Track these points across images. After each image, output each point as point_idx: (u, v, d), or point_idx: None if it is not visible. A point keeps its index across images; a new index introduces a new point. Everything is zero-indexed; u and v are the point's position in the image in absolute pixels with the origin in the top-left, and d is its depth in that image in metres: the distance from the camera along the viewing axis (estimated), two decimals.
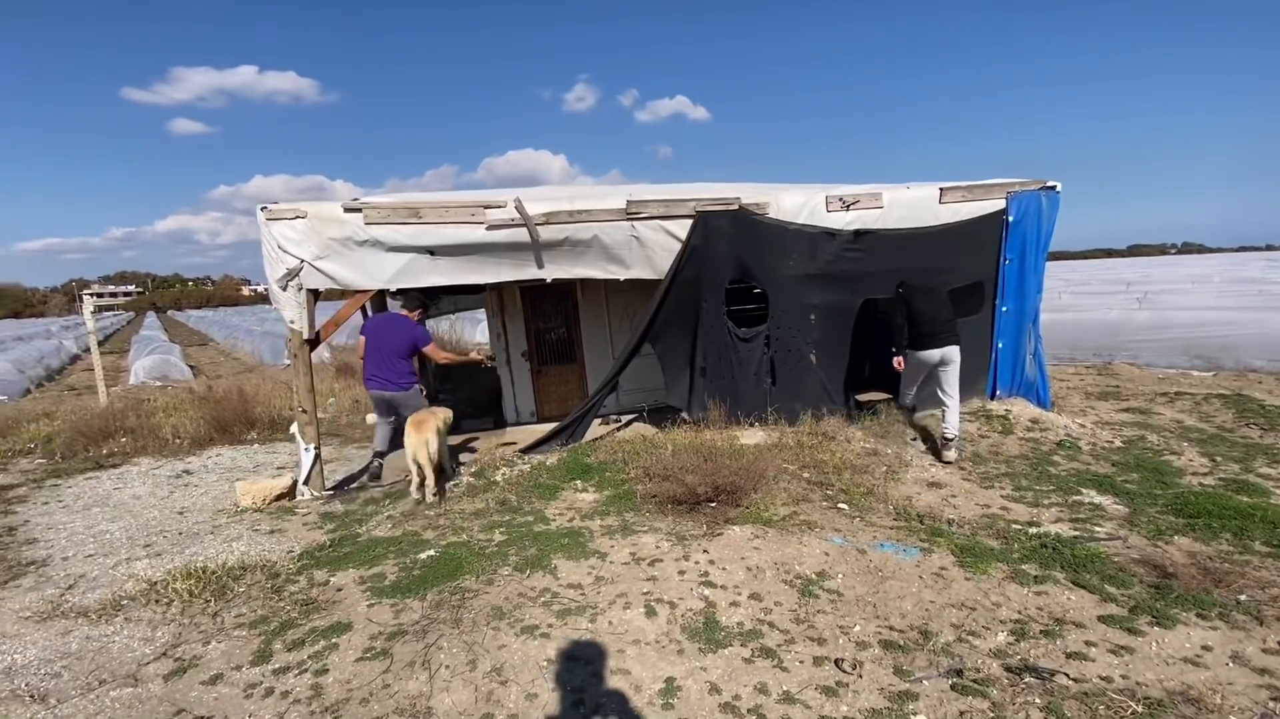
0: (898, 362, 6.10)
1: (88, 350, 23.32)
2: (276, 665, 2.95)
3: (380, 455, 5.96)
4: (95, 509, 5.59)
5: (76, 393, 13.70)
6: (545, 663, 2.83)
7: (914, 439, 6.10)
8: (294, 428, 5.64)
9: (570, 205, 5.70)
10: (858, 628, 3.08)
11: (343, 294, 5.97)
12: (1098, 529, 4.14)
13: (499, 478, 5.36)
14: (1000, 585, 3.42)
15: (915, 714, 2.45)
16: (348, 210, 5.32)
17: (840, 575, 3.63)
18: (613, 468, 5.40)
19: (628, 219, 5.78)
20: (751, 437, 5.86)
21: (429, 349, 5.83)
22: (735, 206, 6.00)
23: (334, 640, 3.11)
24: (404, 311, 5.95)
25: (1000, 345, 7.03)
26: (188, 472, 6.76)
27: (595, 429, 7.05)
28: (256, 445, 7.90)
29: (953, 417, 5.72)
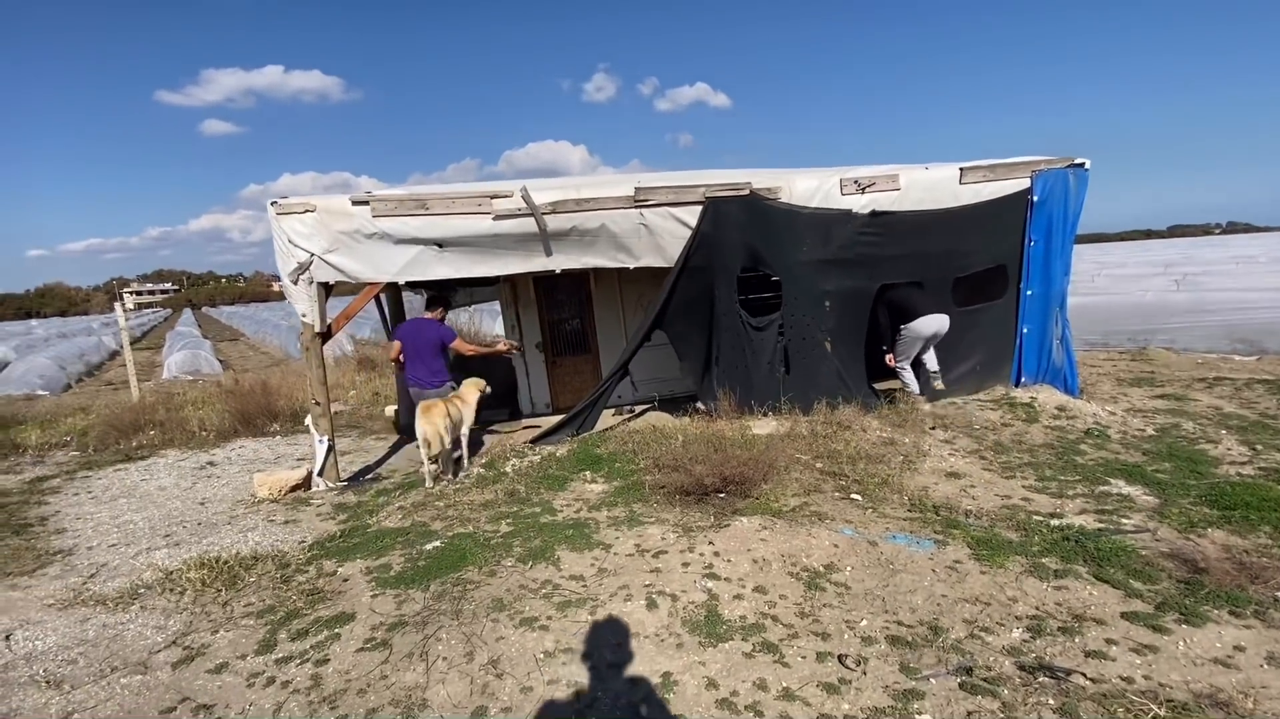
0: (889, 358, 6.51)
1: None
2: (280, 655, 2.97)
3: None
4: (122, 500, 5.74)
5: (113, 387, 14.14)
6: (542, 655, 2.80)
7: (933, 428, 5.92)
8: (308, 420, 5.71)
9: (577, 194, 5.63)
10: (864, 623, 2.99)
11: (357, 289, 6.01)
12: (1125, 521, 3.96)
13: (509, 469, 5.35)
14: (1018, 580, 3.28)
15: (920, 714, 2.35)
16: (355, 203, 5.33)
17: (849, 568, 3.52)
18: (622, 459, 5.35)
19: (636, 207, 5.69)
20: (764, 426, 5.75)
21: (456, 344, 5.95)
22: (746, 192, 5.86)
23: (336, 631, 3.12)
24: (427, 314, 6.06)
25: (1025, 331, 6.79)
26: (212, 463, 6.90)
27: (607, 419, 7.02)
28: (279, 437, 8.04)
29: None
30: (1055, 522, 3.97)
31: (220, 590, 3.65)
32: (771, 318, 6.13)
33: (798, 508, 4.30)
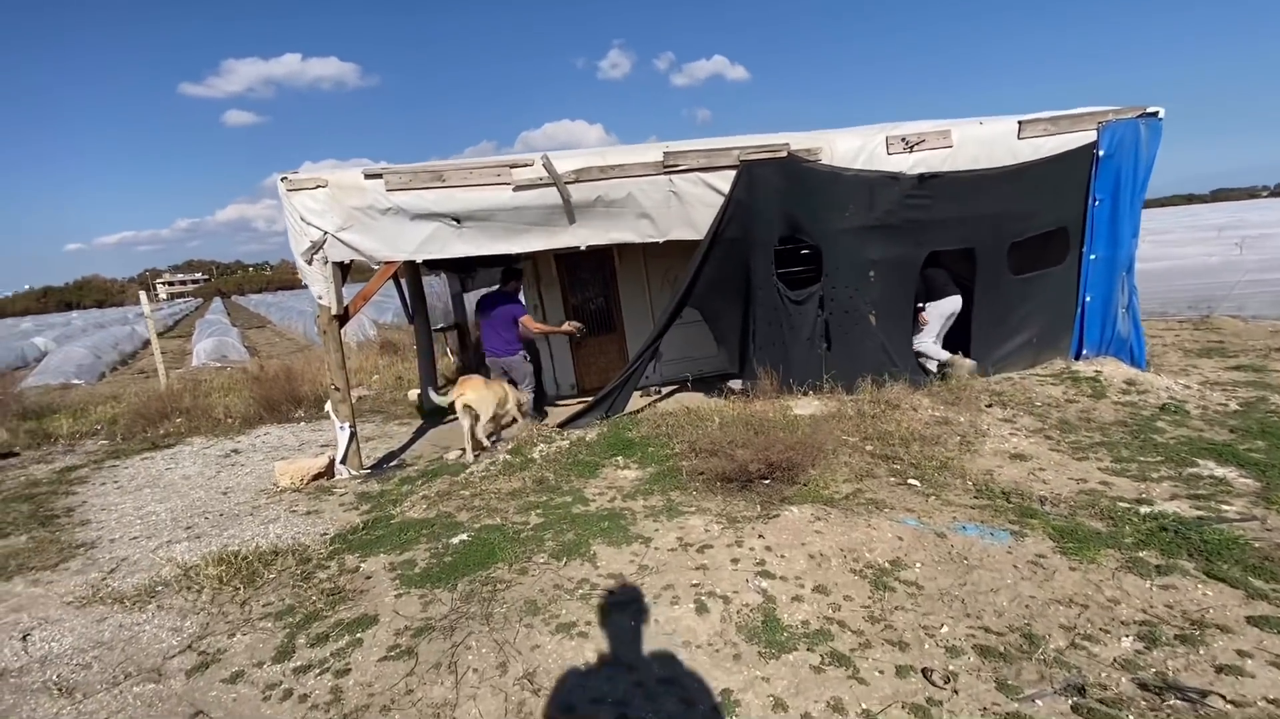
0: (922, 317, 6.30)
1: (160, 335, 24.43)
2: (298, 663, 2.72)
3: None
4: (146, 490, 5.59)
5: (145, 376, 14.22)
6: (583, 668, 2.50)
7: (989, 406, 5.48)
8: (329, 406, 5.48)
9: (602, 161, 5.23)
10: (945, 629, 2.63)
11: (374, 273, 5.73)
12: (1225, 508, 3.52)
13: (536, 455, 5.06)
14: (1114, 577, 2.89)
15: None
16: (368, 177, 5.01)
17: (918, 564, 3.16)
18: (656, 443, 5.02)
19: (665, 173, 5.28)
20: (806, 407, 5.36)
21: (524, 320, 6.13)
22: (783, 154, 5.41)
23: (358, 635, 2.86)
24: (501, 287, 6.33)
25: (1088, 299, 6.26)
26: (236, 451, 6.75)
27: (636, 401, 6.69)
28: (303, 423, 7.87)
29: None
30: (1144, 509, 3.54)
31: (238, 589, 3.43)
32: (811, 290, 5.70)
33: (851, 495, 3.94)
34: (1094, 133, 5.97)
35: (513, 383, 6.14)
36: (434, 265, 9.34)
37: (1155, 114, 5.99)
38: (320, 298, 5.22)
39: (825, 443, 4.51)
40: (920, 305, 6.21)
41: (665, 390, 7.45)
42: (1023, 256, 6.24)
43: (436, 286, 11.28)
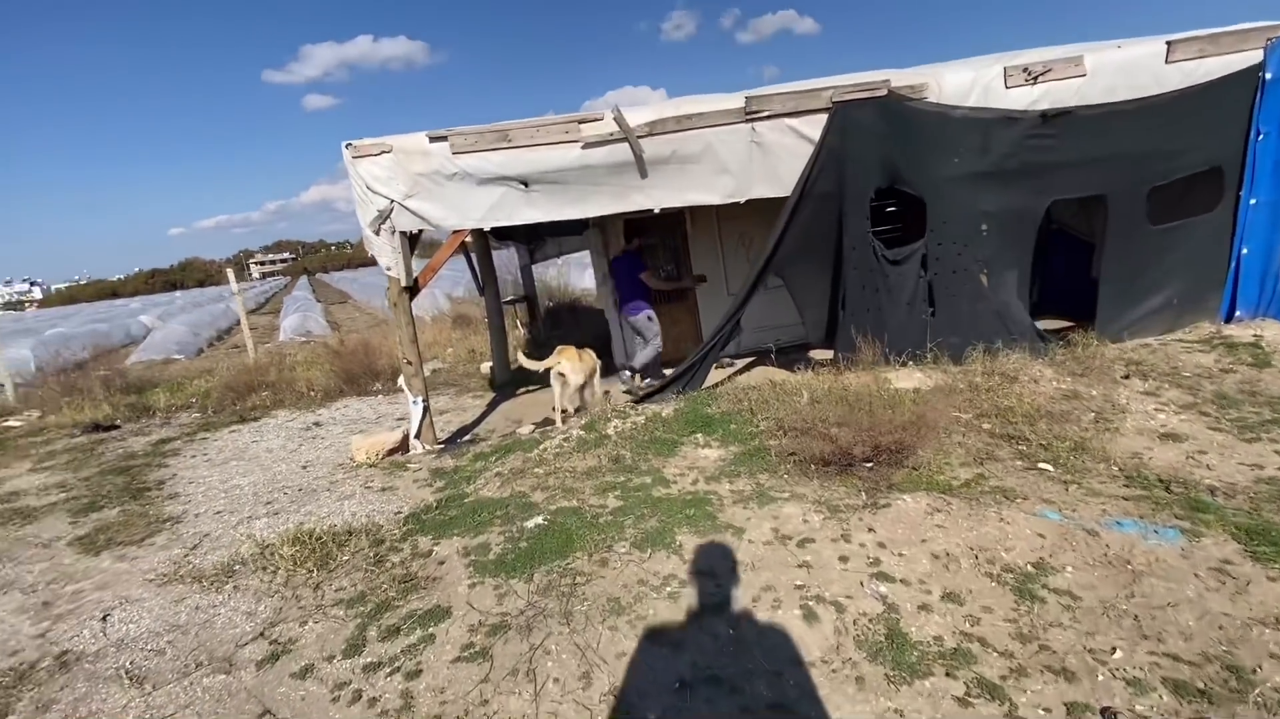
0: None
1: (252, 312, 25.83)
2: (368, 659, 2.53)
3: (633, 370, 6.44)
4: (233, 463, 5.68)
5: (238, 350, 14.95)
6: (677, 685, 2.16)
7: (1125, 377, 4.73)
8: (401, 380, 5.35)
9: (677, 111, 4.74)
10: (1119, 654, 2.13)
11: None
12: None
13: (611, 430, 4.74)
14: None
15: None
16: (433, 140, 4.73)
17: (1069, 568, 2.63)
18: (738, 419, 4.60)
19: (747, 120, 4.73)
20: (907, 379, 4.78)
21: (644, 276, 6.14)
22: (883, 92, 4.75)
23: (430, 630, 2.64)
24: (626, 246, 6.45)
25: (1245, 251, 5.31)
26: (317, 424, 6.81)
27: (711, 374, 6.25)
28: (380, 396, 7.91)
29: None
30: None
31: (312, 571, 3.30)
32: (913, 248, 5.05)
33: (972, 482, 3.40)
34: (1260, 52, 4.97)
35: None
36: (502, 236, 9.14)
37: None
38: (389, 269, 5.04)
39: (936, 420, 3.96)
40: None
41: (741, 363, 6.98)
42: (1159, 203, 5.33)
43: (505, 259, 11.13)
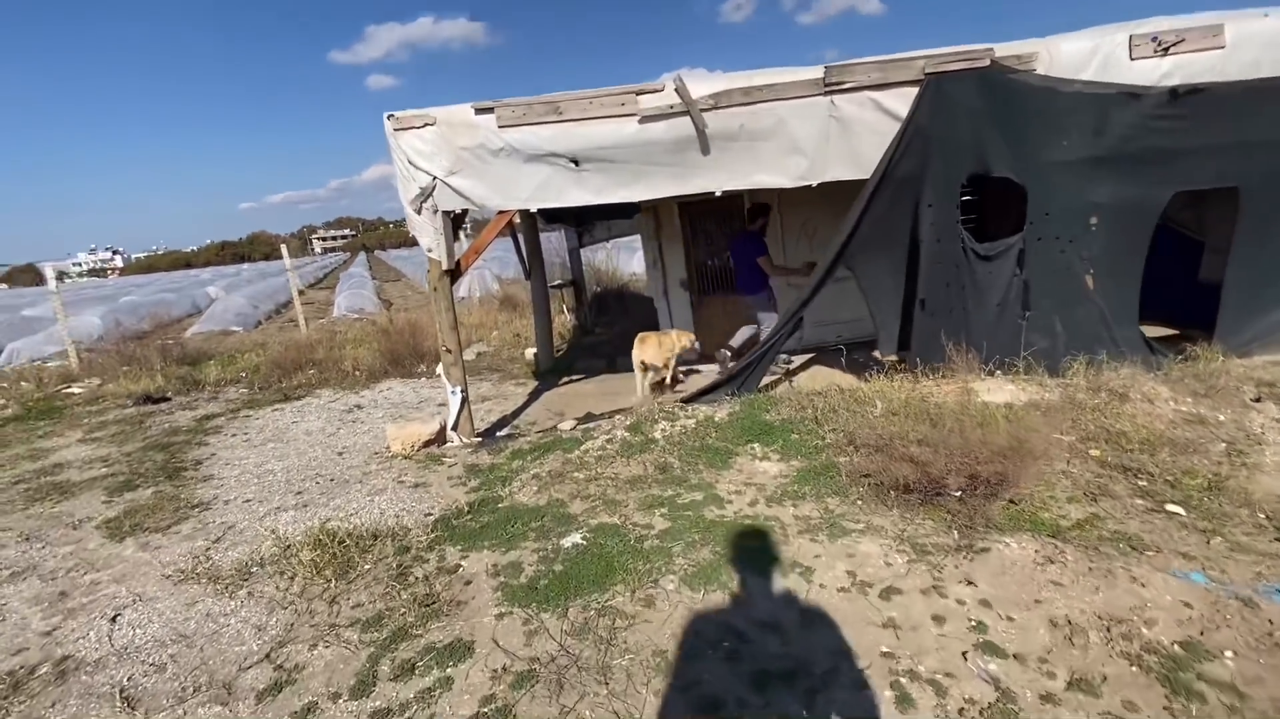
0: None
1: (310, 287, 26.38)
2: (377, 705, 2.18)
3: (731, 351, 6.16)
4: (270, 444, 5.51)
5: (294, 324, 15.15)
6: None
7: (1257, 399, 4.01)
8: (439, 369, 5.03)
9: (746, 82, 4.21)
10: None
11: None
12: None
13: (658, 434, 4.32)
14: None
15: None
16: (479, 111, 4.33)
17: (1228, 653, 2.07)
18: (800, 428, 4.10)
19: (826, 92, 4.16)
20: (996, 391, 4.18)
21: (760, 260, 5.78)
22: (985, 62, 4.10)
23: (448, 671, 2.28)
24: (750, 227, 6.06)
25: None
26: (358, 406, 6.62)
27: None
28: (424, 379, 7.68)
29: None
30: None
31: (330, 581, 2.99)
32: (1008, 243, 4.41)
33: (1086, 524, 2.84)
34: None
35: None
36: (551, 218, 8.77)
37: None
38: (429, 251, 4.70)
39: (1039, 445, 3.36)
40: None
41: (799, 360, 6.43)
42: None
43: (554, 242, 10.78)
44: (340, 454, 5.10)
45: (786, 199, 6.83)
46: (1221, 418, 3.77)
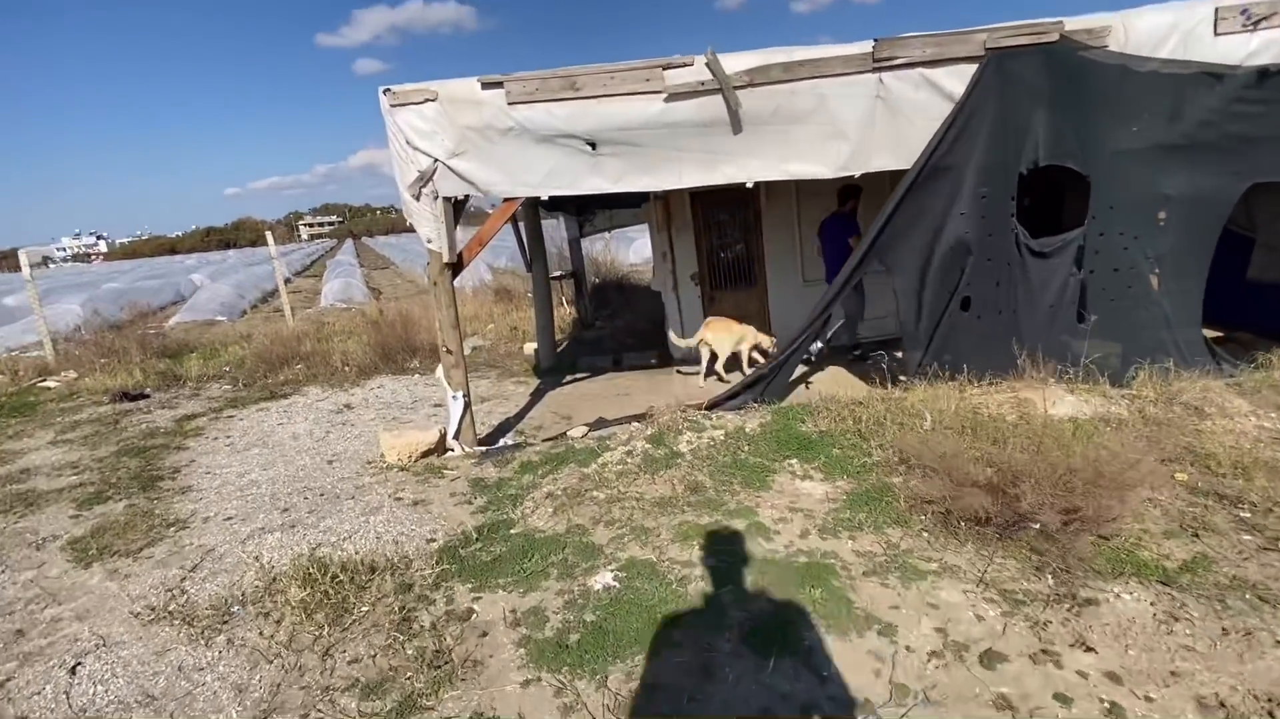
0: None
1: (297, 274, 25.61)
2: None
3: (824, 343, 5.79)
4: (254, 450, 5.03)
5: (281, 314, 14.54)
6: None
7: None
8: (439, 371, 4.57)
9: (786, 58, 3.75)
10: None
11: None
12: None
13: (684, 447, 3.89)
14: None
15: None
16: (486, 86, 3.83)
17: None
18: (842, 443, 3.69)
19: (874, 69, 3.71)
20: (1055, 402, 3.79)
21: (852, 241, 5.43)
22: (1054, 37, 3.66)
23: None
24: (840, 209, 5.78)
25: None
26: (349, 405, 6.14)
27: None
28: (418, 375, 7.20)
29: None
30: None
31: (323, 628, 2.56)
32: (1067, 238, 4.00)
33: (1194, 565, 2.45)
34: None
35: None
36: (553, 206, 8.26)
37: None
38: (429, 242, 4.22)
39: (1143, 475, 2.94)
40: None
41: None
42: None
43: (550, 231, 10.27)
44: (330, 463, 4.63)
45: (805, 189, 6.38)
46: None
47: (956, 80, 3.73)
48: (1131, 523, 2.70)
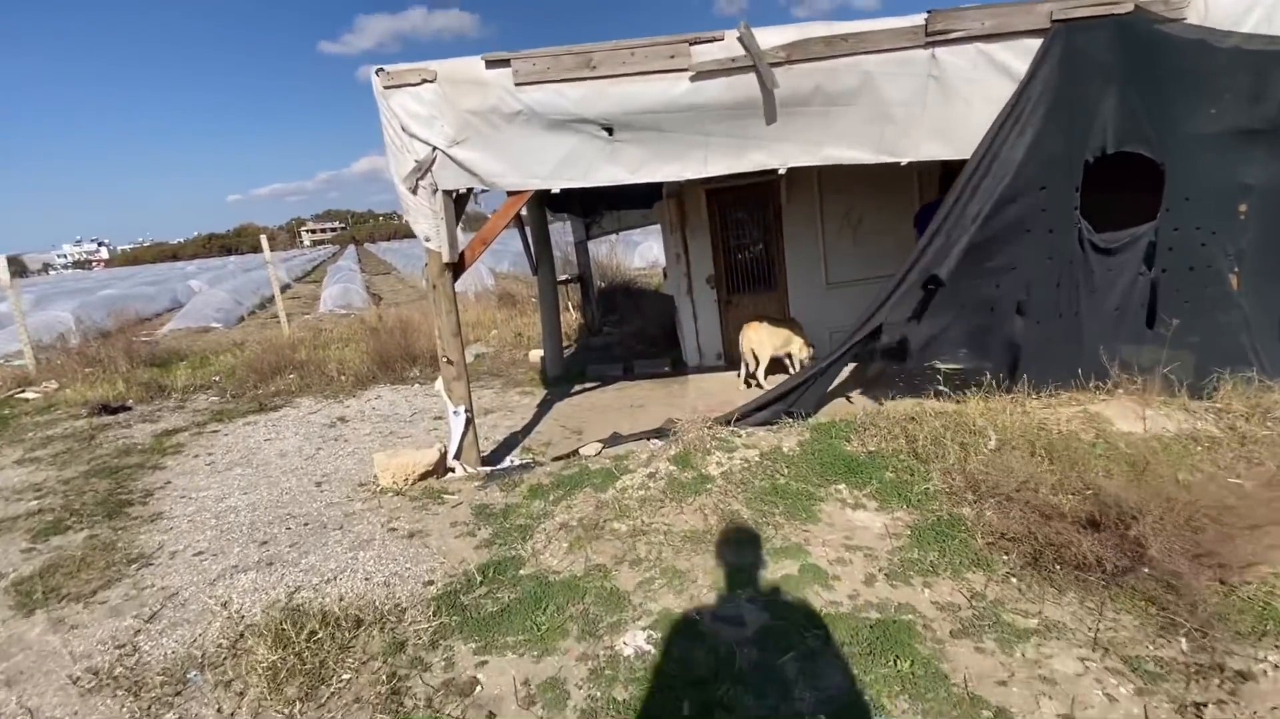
0: None
1: (296, 280, 25.12)
2: None
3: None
4: (236, 470, 4.55)
5: (278, 320, 14.06)
6: None
7: None
8: (439, 384, 4.10)
9: (828, 31, 3.30)
10: None
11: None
12: None
13: (713, 469, 3.42)
14: None
15: None
16: (491, 65, 3.37)
17: None
18: (895, 465, 3.21)
19: (927, 44, 3.26)
20: (1127, 418, 3.32)
21: None
22: (1128, 8, 3.21)
23: None
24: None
25: None
26: (343, 419, 5.67)
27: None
28: (416, 385, 6.73)
29: None
30: None
31: (294, 704, 2.08)
32: (1135, 234, 3.54)
33: None
34: None
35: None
36: (558, 206, 7.82)
37: None
38: (427, 240, 3.75)
39: (1209, 493, 2.51)
40: None
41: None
42: None
43: (555, 234, 9.82)
44: (319, 485, 4.16)
45: (828, 183, 5.95)
46: None
47: (1018, 56, 3.28)
48: (1265, 569, 2.24)
